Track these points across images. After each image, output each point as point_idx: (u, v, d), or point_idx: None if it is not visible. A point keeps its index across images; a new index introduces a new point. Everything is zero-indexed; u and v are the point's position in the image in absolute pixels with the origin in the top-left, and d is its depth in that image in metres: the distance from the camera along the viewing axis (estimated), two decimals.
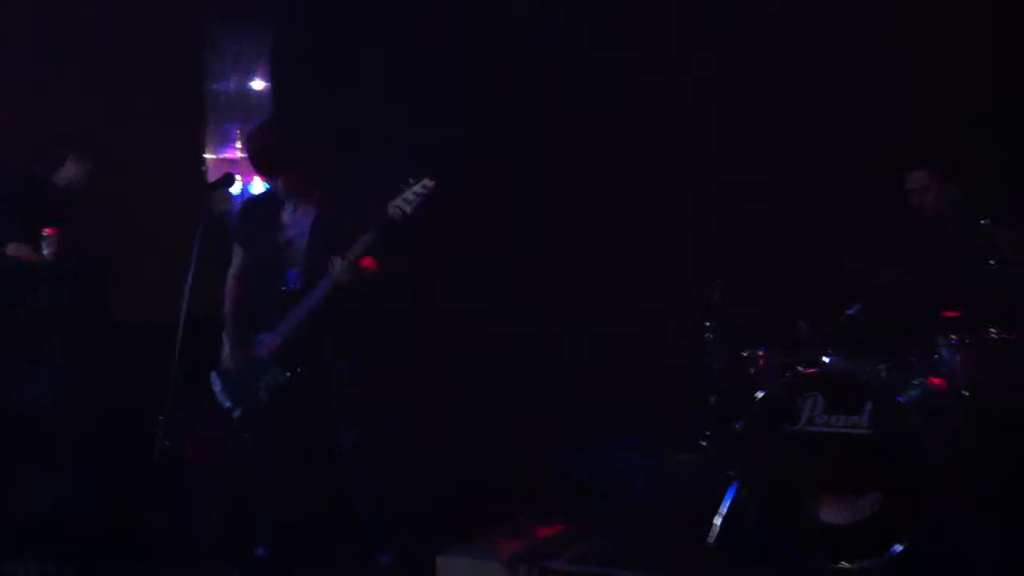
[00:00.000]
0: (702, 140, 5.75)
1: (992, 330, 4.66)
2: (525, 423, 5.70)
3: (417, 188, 4.52)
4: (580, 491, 5.41)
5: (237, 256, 4.89)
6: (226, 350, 4.79)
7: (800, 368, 4.74)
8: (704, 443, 5.05)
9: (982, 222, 4.74)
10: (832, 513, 4.48)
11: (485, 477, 5.47)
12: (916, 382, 4.67)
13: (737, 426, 4.74)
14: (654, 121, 5.82)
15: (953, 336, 4.69)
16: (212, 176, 6.21)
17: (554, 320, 5.93)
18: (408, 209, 4.51)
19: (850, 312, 4.89)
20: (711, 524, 4.69)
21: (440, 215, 4.59)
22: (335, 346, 4.67)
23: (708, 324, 5.10)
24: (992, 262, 4.71)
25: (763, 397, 4.68)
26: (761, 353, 4.95)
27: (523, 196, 5.96)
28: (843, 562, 4.41)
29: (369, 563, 4.74)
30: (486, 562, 4.54)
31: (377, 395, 4.71)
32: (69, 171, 5.48)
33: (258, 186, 5.99)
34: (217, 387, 4.78)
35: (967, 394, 4.63)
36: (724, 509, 4.71)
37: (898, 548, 4.32)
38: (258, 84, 6.55)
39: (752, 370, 4.96)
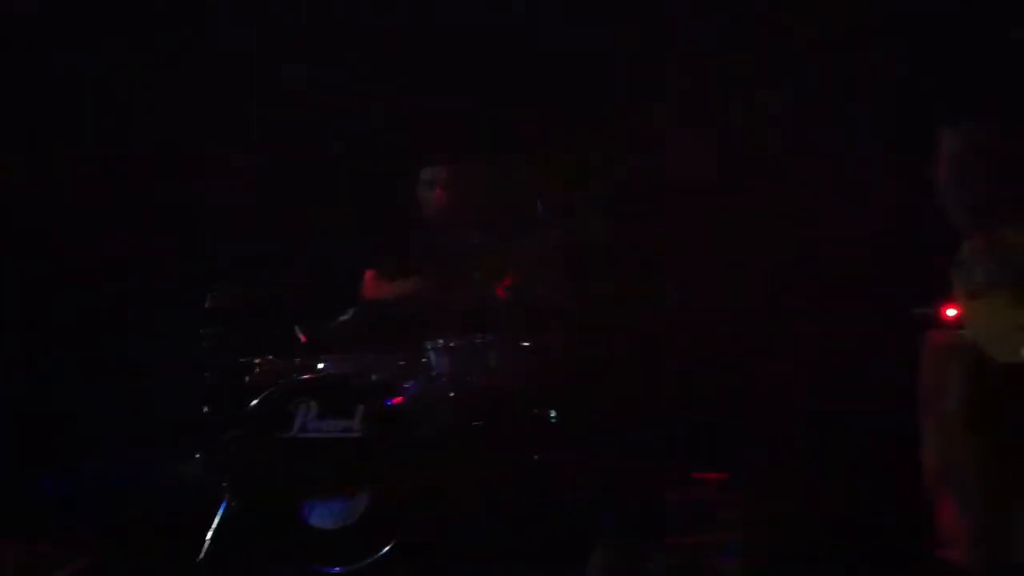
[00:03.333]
0: None
1: (477, 335, 4.87)
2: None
3: None
4: (62, 508, 5.11)
5: None
6: None
7: (294, 375, 4.76)
8: (198, 455, 4.94)
9: None
10: (324, 518, 4.51)
11: None
12: (406, 385, 4.79)
13: (229, 436, 4.68)
14: None
15: (440, 340, 4.86)
16: None
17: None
18: None
19: (344, 317, 4.98)
20: (202, 539, 4.59)
21: None
22: None
23: (204, 332, 5.01)
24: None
25: (255, 404, 4.64)
26: (257, 361, 4.93)
27: None
28: (336, 566, 4.45)
29: None
30: None
31: None
32: None
33: None
34: None
35: (453, 394, 4.81)
36: (216, 523, 4.62)
37: (387, 548, 4.43)
38: None
39: (248, 378, 4.92)
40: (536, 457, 4.61)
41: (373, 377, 4.76)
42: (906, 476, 3.80)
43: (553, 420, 4.80)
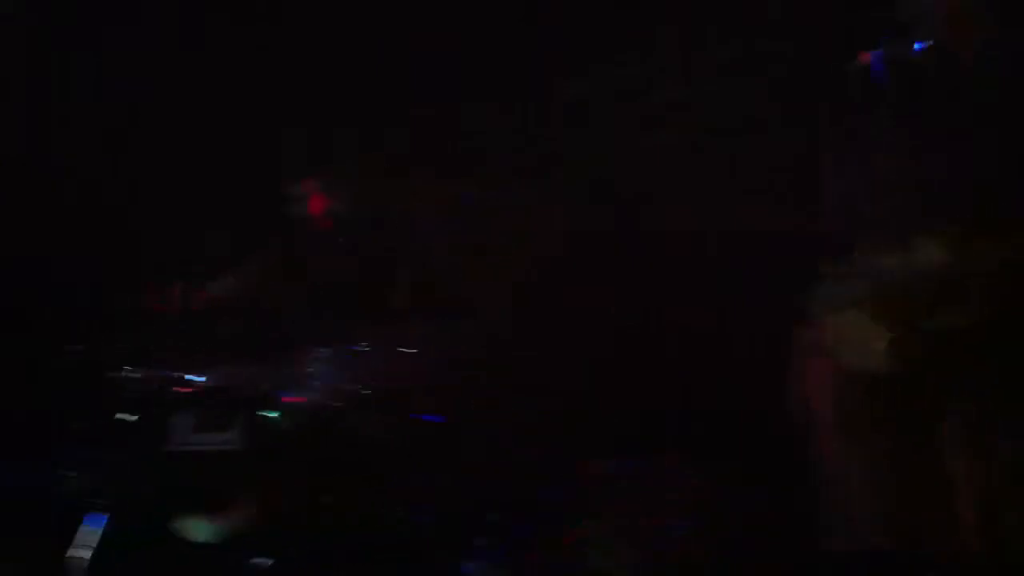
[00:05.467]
0: None
1: (362, 342, 4.81)
2: None
3: None
4: None
5: None
6: None
7: (172, 388, 4.66)
8: (71, 473, 4.80)
9: None
10: (201, 533, 4.42)
11: None
12: (288, 396, 4.72)
13: (105, 451, 4.57)
14: None
15: (323, 349, 4.79)
16: None
17: None
18: None
19: (223, 328, 4.89)
20: (75, 558, 4.46)
21: None
22: None
23: (79, 347, 4.88)
24: None
25: (132, 419, 4.55)
26: (136, 374, 4.82)
27: None
28: None
29: None
30: None
31: None
32: None
33: None
34: None
35: (338, 404, 4.74)
36: (91, 541, 4.49)
37: (266, 560, 4.36)
38: None
39: (127, 392, 4.81)
40: (420, 466, 4.56)
41: (254, 388, 4.68)
42: None
43: (437, 424, 4.75)
